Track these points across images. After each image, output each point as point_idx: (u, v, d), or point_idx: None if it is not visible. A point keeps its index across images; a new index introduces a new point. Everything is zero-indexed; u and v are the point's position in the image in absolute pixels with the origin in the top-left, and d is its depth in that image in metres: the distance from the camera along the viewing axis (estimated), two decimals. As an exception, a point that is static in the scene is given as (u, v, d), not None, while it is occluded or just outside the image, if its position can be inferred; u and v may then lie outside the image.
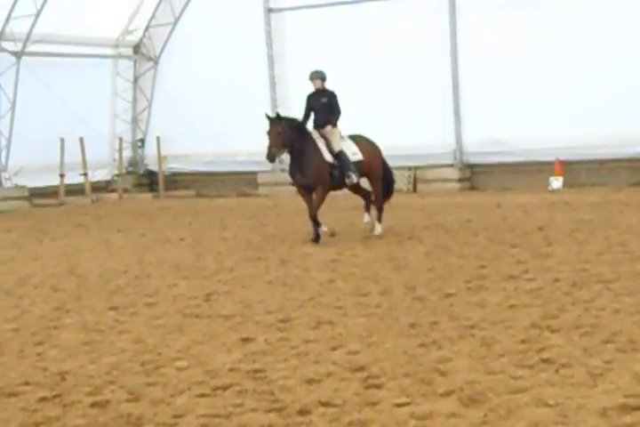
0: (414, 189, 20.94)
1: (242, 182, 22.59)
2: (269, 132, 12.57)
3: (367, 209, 13.74)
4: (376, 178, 13.61)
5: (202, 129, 22.23)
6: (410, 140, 20.09)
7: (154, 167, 23.58)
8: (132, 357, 6.92)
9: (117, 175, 23.11)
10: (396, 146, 20.12)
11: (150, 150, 23.71)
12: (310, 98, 13.22)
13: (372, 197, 13.68)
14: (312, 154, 12.76)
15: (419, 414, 5.15)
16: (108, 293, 9.79)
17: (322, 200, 12.91)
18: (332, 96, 13.15)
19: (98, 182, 22.81)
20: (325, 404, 5.44)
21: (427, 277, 9.79)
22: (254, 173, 22.27)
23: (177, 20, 23.03)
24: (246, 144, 21.31)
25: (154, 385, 6.08)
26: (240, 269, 10.92)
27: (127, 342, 7.47)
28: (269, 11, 22.08)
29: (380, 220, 13.52)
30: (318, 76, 13.22)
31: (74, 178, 21.40)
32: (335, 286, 9.52)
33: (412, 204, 17.92)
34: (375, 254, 11.62)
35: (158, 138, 23.00)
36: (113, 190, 22.86)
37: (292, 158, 12.90)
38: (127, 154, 23.91)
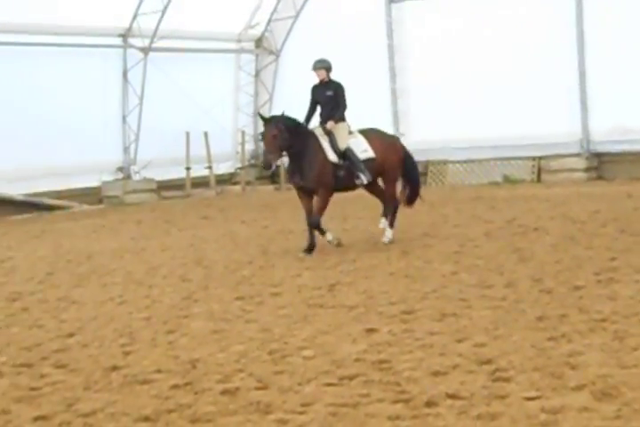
0: (538, 180, 20.54)
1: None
2: (264, 136, 11.31)
3: (385, 213, 12.34)
4: (391, 178, 12.14)
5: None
6: (534, 130, 19.72)
7: (275, 160, 23.83)
8: (260, 345, 7.03)
9: (240, 168, 23.49)
10: (519, 135, 19.76)
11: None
12: (314, 90, 11.94)
13: (386, 200, 12.25)
14: (313, 154, 11.47)
15: (549, 408, 5.05)
16: (234, 283, 9.97)
17: (325, 205, 11.59)
18: (337, 88, 11.82)
19: (222, 175, 23.23)
20: (452, 396, 5.40)
21: (554, 269, 9.58)
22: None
23: (298, 13, 23.20)
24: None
25: (281, 373, 6.16)
26: (362, 261, 10.94)
27: (254, 331, 7.59)
28: (390, 1, 22.01)
29: (391, 225, 12.12)
30: (322, 65, 11.87)
31: (199, 171, 21.87)
32: (458, 278, 9.43)
33: (536, 194, 17.58)
34: (499, 246, 11.45)
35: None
36: (236, 183, 23.25)
37: (290, 160, 11.59)
38: (249, 147, 24.27)
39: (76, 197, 19.63)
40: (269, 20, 23.53)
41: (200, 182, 22.04)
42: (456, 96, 20.64)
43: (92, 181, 19.99)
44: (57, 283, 10.51)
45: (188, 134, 21.24)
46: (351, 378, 5.94)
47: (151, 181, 21.09)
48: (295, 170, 11.55)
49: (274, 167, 11.60)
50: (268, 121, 11.27)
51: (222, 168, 23.45)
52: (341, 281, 9.64)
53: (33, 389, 6.20)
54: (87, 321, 8.38)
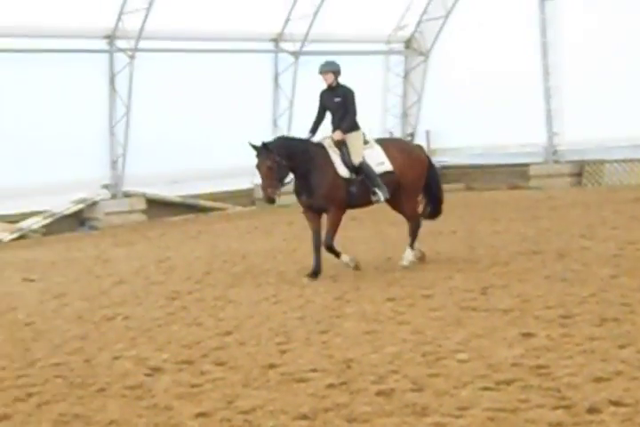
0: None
1: (512, 175, 22.20)
2: (259, 168, 10.27)
3: (410, 244, 11.18)
4: (410, 193, 10.97)
5: (471, 122, 22.08)
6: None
7: (425, 161, 23.70)
8: (413, 347, 7.01)
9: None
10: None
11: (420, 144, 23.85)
12: (322, 96, 10.82)
13: (407, 217, 11.17)
14: (321, 169, 10.39)
15: None
16: (385, 284, 9.98)
17: (336, 224, 10.55)
18: (346, 94, 10.63)
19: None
20: (616, 403, 5.23)
21: None
22: (526, 165, 21.83)
23: (448, 13, 23.02)
24: (517, 136, 20.99)
25: (436, 376, 6.12)
26: (515, 263, 10.74)
27: (407, 332, 7.57)
28: (543, -2, 21.57)
29: (412, 246, 11.06)
30: (330, 69, 10.67)
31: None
32: (619, 282, 9.12)
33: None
34: (661, 249, 11.01)
35: (428, 132, 23.15)
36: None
37: (296, 178, 10.54)
38: (398, 148, 24.20)
39: (229, 198, 20.12)
40: (419, 21, 23.44)
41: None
42: (612, 93, 19.98)
43: (244, 184, 20.43)
44: (213, 282, 10.80)
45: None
46: (508, 383, 5.84)
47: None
48: (302, 189, 10.50)
49: (277, 200, 10.30)
50: (260, 151, 10.15)
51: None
52: (494, 284, 9.50)
53: (194, 386, 6.39)
54: (244, 320, 8.57)
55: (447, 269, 10.68)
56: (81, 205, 17.38)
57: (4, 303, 9.95)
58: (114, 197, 18.05)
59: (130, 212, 18.03)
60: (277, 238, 14.88)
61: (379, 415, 5.37)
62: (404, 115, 24.23)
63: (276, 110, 21.09)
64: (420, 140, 23.57)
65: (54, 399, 6.21)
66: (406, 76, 24.02)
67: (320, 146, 10.54)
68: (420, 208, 11.41)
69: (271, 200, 10.20)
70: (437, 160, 23.25)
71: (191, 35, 18.64)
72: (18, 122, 16.37)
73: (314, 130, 10.71)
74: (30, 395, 6.33)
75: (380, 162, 10.66)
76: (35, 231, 16.30)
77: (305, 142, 10.51)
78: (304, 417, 5.48)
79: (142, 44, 17.88)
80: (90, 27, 17.05)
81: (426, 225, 15.20)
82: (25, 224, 16.31)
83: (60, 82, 16.72)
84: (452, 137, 22.64)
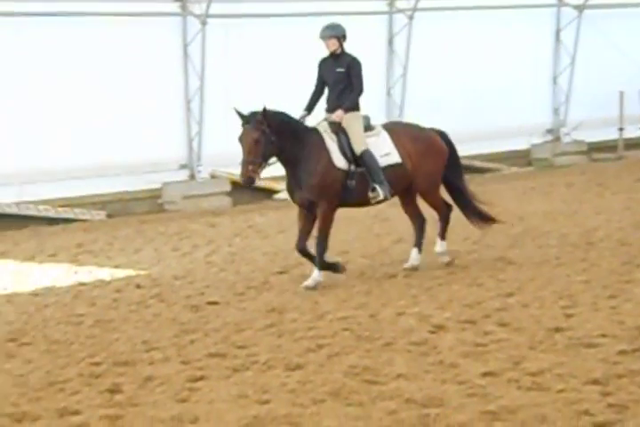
0: None
1: None
2: (241, 141, 8.59)
3: (440, 233, 9.54)
4: (427, 190, 9.33)
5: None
6: None
7: None
8: None
9: (678, 128, 22.03)
10: None
11: None
12: (321, 66, 9.13)
13: (434, 209, 9.56)
14: (314, 157, 8.75)
15: None
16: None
17: (328, 223, 8.86)
18: (352, 64, 8.94)
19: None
20: None
21: None
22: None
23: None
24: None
25: None
26: None
27: None
28: None
29: (442, 236, 9.45)
30: (333, 33, 8.97)
31: (633, 132, 20.92)
32: None
33: None
34: None
35: None
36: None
37: (286, 169, 8.92)
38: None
39: (505, 159, 19.79)
40: None
41: (634, 144, 21.06)
42: None
43: (521, 144, 19.99)
44: (492, 243, 10.68)
45: (621, 94, 20.37)
46: None
47: (581, 142, 20.57)
48: (294, 182, 8.86)
49: (256, 182, 8.68)
50: (246, 120, 8.58)
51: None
52: None
53: (478, 345, 6.39)
54: (525, 282, 8.44)
55: None
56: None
57: (292, 258, 10.42)
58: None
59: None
60: (556, 200, 14.45)
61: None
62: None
63: (556, 67, 20.36)
64: None
65: (343, 351, 6.44)
66: None
67: (315, 131, 8.90)
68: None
69: (250, 180, 8.51)
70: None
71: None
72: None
73: (310, 107, 9.07)
74: (321, 346, 6.61)
75: (385, 152, 8.95)
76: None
77: (300, 124, 8.93)
78: (595, 382, 5.32)
79: (421, 4, 17.88)
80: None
81: None
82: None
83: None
84: None
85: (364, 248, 10.92)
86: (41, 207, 14.01)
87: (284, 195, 16.38)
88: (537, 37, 19.81)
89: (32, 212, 13.88)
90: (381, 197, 8.83)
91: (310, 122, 9.12)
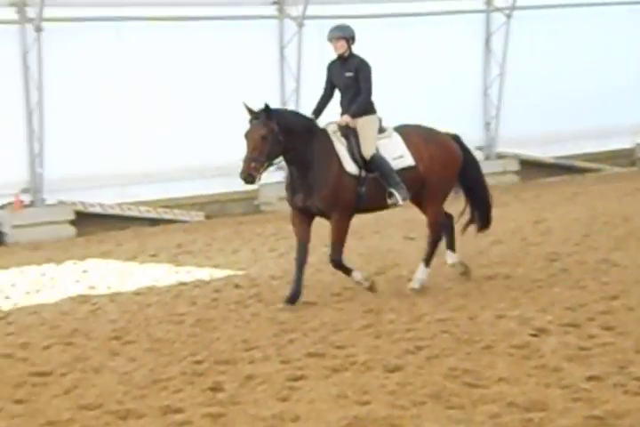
0: None
1: None
2: (247, 137, 8.15)
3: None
4: (435, 196, 8.73)
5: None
6: None
7: None
8: None
9: None
10: None
11: None
12: (331, 69, 8.69)
13: (427, 224, 8.89)
14: (324, 163, 8.26)
15: None
16: None
17: (344, 235, 8.41)
18: (360, 67, 8.46)
19: None
20: None
21: None
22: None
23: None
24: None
25: None
26: None
27: None
28: None
29: (427, 263, 8.74)
30: (341, 34, 8.50)
31: None
32: None
33: None
34: None
35: None
36: None
37: (290, 169, 8.48)
38: None
39: (607, 159, 19.33)
40: None
41: None
42: None
43: (624, 143, 19.49)
44: (594, 245, 10.45)
45: None
46: None
47: (688, 142, 19.96)
48: (297, 187, 8.36)
49: (258, 181, 8.18)
50: (255, 115, 8.15)
51: None
52: None
53: (582, 348, 6.25)
54: (630, 284, 8.23)
55: None
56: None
57: (388, 259, 10.39)
58: (487, 158, 18.08)
59: (503, 173, 17.94)
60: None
61: None
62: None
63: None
64: None
65: (443, 353, 6.38)
66: None
67: (324, 133, 8.45)
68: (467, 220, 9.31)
69: (250, 178, 8.02)
70: None
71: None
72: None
73: (318, 111, 8.61)
74: (419, 348, 6.56)
75: (398, 155, 8.50)
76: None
77: (311, 124, 8.45)
78: None
79: (519, 2, 17.62)
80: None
81: None
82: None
83: (435, 43, 16.95)
84: None
85: (460, 249, 10.80)
86: (142, 208, 14.31)
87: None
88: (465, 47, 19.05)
89: (134, 213, 14.19)
90: (400, 201, 8.38)
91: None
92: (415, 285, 8.61)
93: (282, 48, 15.68)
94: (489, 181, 17.46)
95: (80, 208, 14.09)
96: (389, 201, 8.39)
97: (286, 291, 8.76)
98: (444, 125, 9.62)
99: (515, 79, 17.79)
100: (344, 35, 8.48)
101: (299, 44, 15.58)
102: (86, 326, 7.83)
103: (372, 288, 8.53)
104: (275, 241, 12.30)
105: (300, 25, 15.45)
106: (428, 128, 9.01)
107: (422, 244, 11.32)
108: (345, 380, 5.90)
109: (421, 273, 8.69)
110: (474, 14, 17.66)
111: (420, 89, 16.74)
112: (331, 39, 8.53)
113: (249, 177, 8.02)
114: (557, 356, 6.10)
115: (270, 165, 8.23)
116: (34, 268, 11.05)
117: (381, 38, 15.95)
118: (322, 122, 8.61)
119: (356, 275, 8.52)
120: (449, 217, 9.07)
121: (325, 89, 8.71)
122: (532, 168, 18.47)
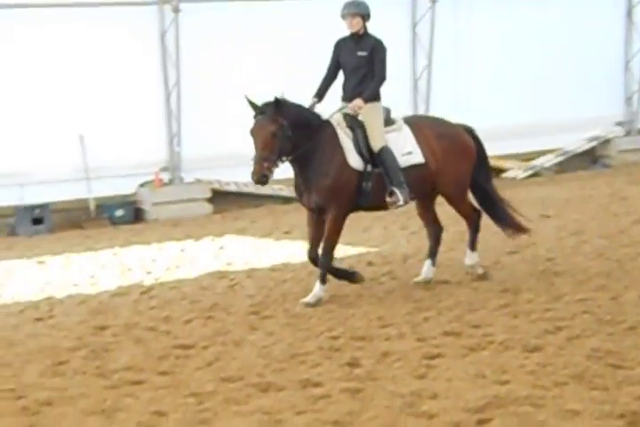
0: None
1: None
2: (254, 134, 7.59)
3: (470, 244, 8.43)
4: (454, 195, 8.19)
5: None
6: None
7: None
8: None
9: None
10: None
11: None
12: (340, 47, 8.01)
13: (468, 224, 8.38)
14: (326, 157, 7.69)
15: None
16: None
17: (337, 231, 7.77)
18: (377, 47, 7.84)
19: None
20: None
21: None
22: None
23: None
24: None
25: None
26: None
27: None
28: None
29: (472, 246, 8.34)
30: (357, 10, 7.87)
31: None
32: None
33: None
34: None
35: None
36: None
37: (294, 167, 7.85)
38: None
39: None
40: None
41: None
42: None
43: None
44: None
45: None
46: None
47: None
48: (301, 182, 7.86)
49: (270, 180, 7.57)
50: (260, 111, 7.59)
51: None
52: None
53: None
54: None
55: None
56: (594, 143, 17.11)
57: (523, 238, 10.20)
58: (627, 134, 17.46)
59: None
60: None
61: None
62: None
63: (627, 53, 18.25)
64: None
65: (584, 334, 6.25)
66: None
67: (328, 124, 7.85)
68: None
69: (264, 179, 7.48)
70: None
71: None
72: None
73: (321, 93, 8.01)
74: (559, 328, 6.44)
75: (407, 151, 7.88)
76: (547, 169, 16.44)
77: (316, 118, 7.85)
78: None
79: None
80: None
81: None
82: (538, 162, 16.52)
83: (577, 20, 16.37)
84: None
85: (600, 228, 10.52)
86: (275, 187, 14.49)
87: (513, 173, 16.16)
88: (607, 20, 17.51)
89: (267, 191, 14.38)
90: (401, 202, 7.78)
91: (321, 111, 8.01)
92: (478, 271, 8.30)
93: (162, 35, 14.09)
94: (630, 157, 16.96)
95: (216, 186, 14.40)
96: (389, 200, 7.79)
97: (419, 269, 8.72)
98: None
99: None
100: (360, 11, 7.89)
101: (176, 31, 14.08)
102: (225, 301, 8.01)
103: (357, 280, 8.14)
104: (406, 219, 12.24)
105: (176, 11, 13.99)
106: (441, 120, 8.51)
107: (559, 222, 11.15)
108: (483, 359, 5.85)
109: (470, 258, 8.36)
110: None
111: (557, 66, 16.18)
112: (345, 15, 7.91)
113: (262, 178, 7.48)
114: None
115: (280, 163, 7.64)
116: (173, 244, 11.37)
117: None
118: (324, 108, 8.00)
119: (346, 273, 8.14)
120: (478, 213, 8.47)
121: (330, 69, 8.04)
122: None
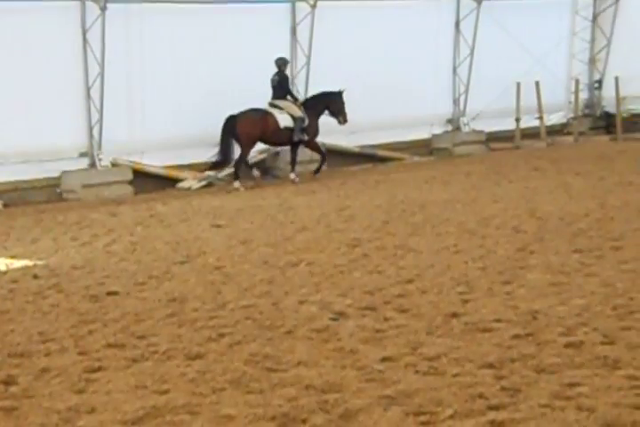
0: None
1: None
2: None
3: None
4: None
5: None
6: None
7: (611, 109, 22.77)
8: (602, 300, 6.81)
9: (573, 118, 22.68)
10: None
11: (608, 92, 22.89)
12: None
13: None
14: None
15: None
16: (571, 235, 9.72)
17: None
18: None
19: (553, 126, 22.58)
20: None
21: None
22: None
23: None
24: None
25: (628, 330, 5.94)
26: None
27: (595, 285, 7.36)
28: None
29: None
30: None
31: (529, 122, 21.42)
32: None
33: None
34: None
35: (617, 78, 22.08)
36: (568, 133, 22.50)
37: None
38: (583, 96, 23.33)
39: (407, 149, 20.04)
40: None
41: (530, 134, 21.58)
42: None
43: (422, 134, 20.27)
44: (393, 231, 10.82)
45: (518, 85, 20.83)
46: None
47: (480, 132, 20.97)
48: None
49: None
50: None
51: (553, 119, 22.77)
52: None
53: (378, 331, 6.46)
54: (424, 269, 8.57)
55: (638, 220, 10.27)
56: (264, 155, 17.76)
57: (194, 248, 10.35)
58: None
59: (309, 162, 18.23)
60: (456, 188, 14.71)
61: (568, 367, 5.28)
62: (592, 61, 23.25)
63: (456, 58, 20.63)
64: (608, 88, 22.71)
65: (245, 340, 6.43)
66: (595, 19, 22.98)
67: None
68: None
69: None
70: (626, 108, 22.37)
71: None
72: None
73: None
74: (222, 335, 6.59)
75: None
76: (221, 180, 16.80)
77: None
78: (490, 366, 5.45)
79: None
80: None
81: (612, 176, 14.63)
82: (212, 173, 16.83)
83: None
84: (642, 84, 21.57)
85: (267, 237, 10.93)
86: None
87: (187, 183, 16.38)
88: (438, 28, 20.07)
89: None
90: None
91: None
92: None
93: (85, 32, 15.21)
94: (298, 168, 17.68)
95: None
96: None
97: (88, 281, 8.55)
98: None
99: (319, 68, 18.05)
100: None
101: (102, 29, 15.15)
102: None
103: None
104: (77, 230, 11.98)
105: (103, 9, 15.04)
106: None
107: (230, 231, 11.43)
108: (145, 370, 5.84)
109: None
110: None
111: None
112: None
113: None
114: (354, 338, 6.28)
115: None
116: None
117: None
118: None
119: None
120: None
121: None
122: (335, 157, 18.86)
